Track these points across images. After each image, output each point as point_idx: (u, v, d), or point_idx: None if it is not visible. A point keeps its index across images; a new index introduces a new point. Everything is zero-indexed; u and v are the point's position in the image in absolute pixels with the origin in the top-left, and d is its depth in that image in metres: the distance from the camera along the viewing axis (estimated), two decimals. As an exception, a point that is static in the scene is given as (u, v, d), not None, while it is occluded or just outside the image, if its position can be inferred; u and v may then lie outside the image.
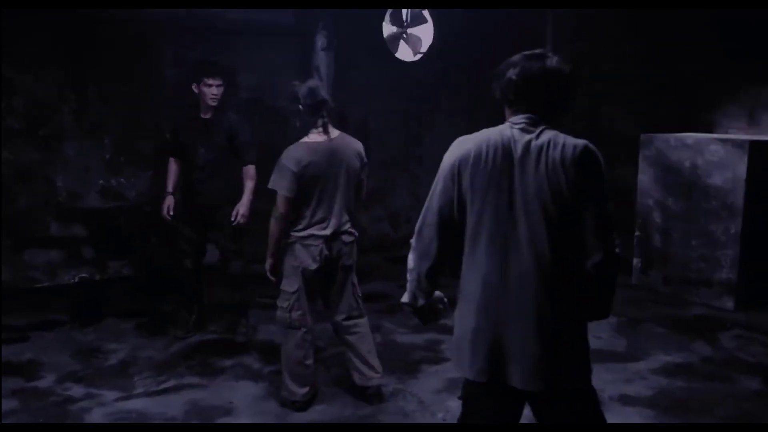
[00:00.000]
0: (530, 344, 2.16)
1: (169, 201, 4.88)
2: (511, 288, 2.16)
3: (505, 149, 2.17)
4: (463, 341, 2.26)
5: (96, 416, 3.78)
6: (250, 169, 4.75)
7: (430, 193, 2.32)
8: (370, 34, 6.81)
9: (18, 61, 5.76)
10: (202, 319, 5.10)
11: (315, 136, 3.73)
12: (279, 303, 3.87)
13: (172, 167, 4.95)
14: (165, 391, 4.12)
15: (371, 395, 3.98)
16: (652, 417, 3.85)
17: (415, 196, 7.94)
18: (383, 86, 7.41)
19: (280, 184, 3.65)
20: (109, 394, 4.05)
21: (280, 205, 3.69)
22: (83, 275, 6.25)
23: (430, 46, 7.03)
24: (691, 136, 5.95)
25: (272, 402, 3.99)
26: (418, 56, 7.24)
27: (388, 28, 6.87)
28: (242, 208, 4.67)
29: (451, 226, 2.28)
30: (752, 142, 5.54)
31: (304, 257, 3.76)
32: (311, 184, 3.67)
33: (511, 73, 2.21)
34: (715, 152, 5.69)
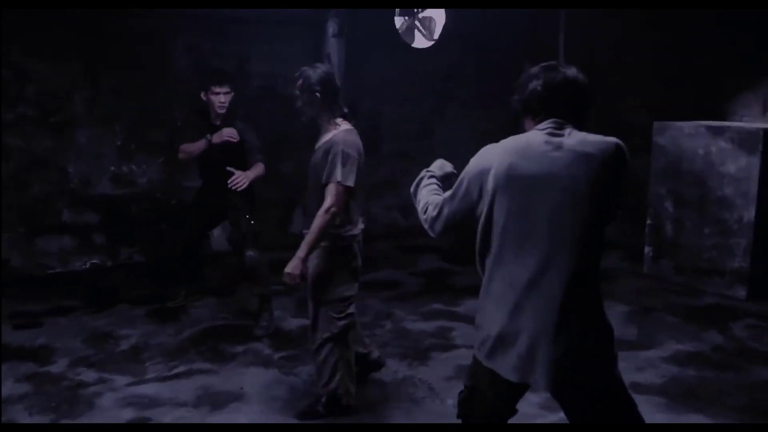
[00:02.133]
0: (558, 347, 2.19)
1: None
2: (542, 289, 2.19)
3: (536, 152, 2.22)
4: (492, 339, 2.28)
5: (107, 401, 3.81)
6: (260, 165, 4.74)
7: (452, 192, 2.38)
8: (382, 23, 6.78)
9: (30, 49, 5.78)
10: (192, 293, 5.39)
11: (346, 125, 3.50)
12: (344, 311, 3.50)
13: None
14: (176, 376, 4.14)
15: (375, 362, 3.99)
16: (662, 405, 3.83)
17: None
18: (395, 75, 7.37)
19: (351, 176, 3.36)
20: (121, 379, 4.08)
21: (343, 199, 3.38)
22: (95, 261, 6.29)
23: (443, 33, 7.01)
24: (704, 124, 5.89)
25: (283, 388, 4.01)
26: (432, 42, 7.21)
27: (399, 20, 6.86)
28: (245, 174, 4.59)
29: (460, 227, 2.39)
30: (766, 130, 5.47)
31: (359, 257, 3.56)
32: (359, 176, 3.45)
33: (535, 84, 2.29)
34: (729, 140, 5.64)
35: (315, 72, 3.45)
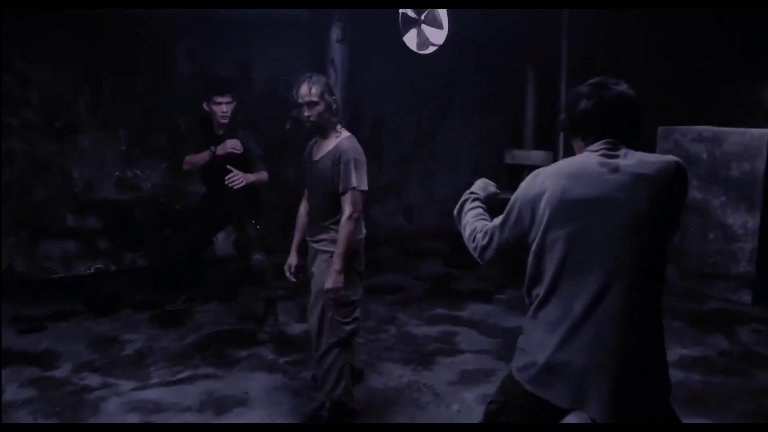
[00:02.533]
0: (616, 377, 2.10)
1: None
2: (598, 318, 2.10)
3: (591, 175, 2.13)
4: (539, 366, 2.19)
5: (112, 406, 3.81)
6: (263, 173, 4.74)
7: (503, 218, 2.27)
8: (385, 29, 6.79)
9: (32, 54, 5.78)
10: (192, 297, 5.40)
11: (346, 132, 3.49)
12: (351, 315, 3.48)
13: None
14: (180, 381, 4.13)
15: (358, 372, 3.95)
16: (668, 410, 3.81)
17: (429, 191, 7.92)
18: (397, 81, 7.39)
19: (364, 180, 3.38)
20: (125, 384, 4.07)
21: (361, 204, 3.40)
22: (99, 266, 6.29)
23: (446, 39, 7.02)
24: (709, 129, 5.88)
25: (286, 393, 4.00)
26: (433, 49, 7.22)
27: (403, 21, 6.86)
28: (244, 174, 4.56)
29: (511, 254, 2.28)
30: (771, 135, 5.48)
31: (364, 261, 3.58)
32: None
33: (585, 104, 2.20)
34: (734, 145, 5.63)
35: (327, 79, 3.49)
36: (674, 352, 4.64)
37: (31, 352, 4.52)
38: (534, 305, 2.24)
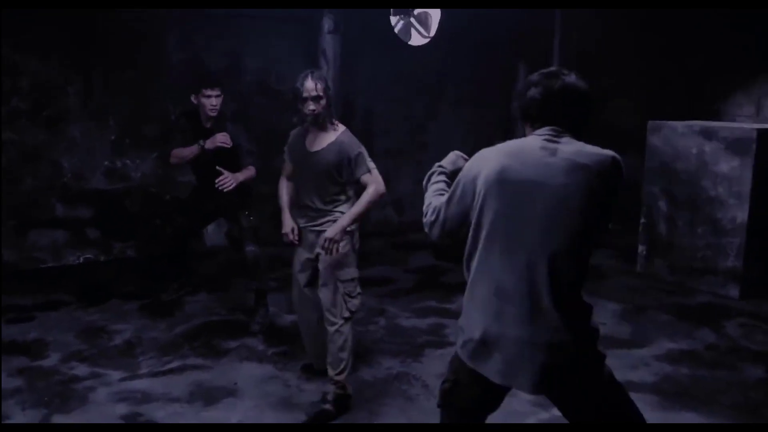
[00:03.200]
0: (542, 352, 2.18)
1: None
2: (525, 295, 2.17)
3: (530, 157, 2.20)
4: (474, 342, 2.27)
5: (101, 396, 3.80)
6: (251, 168, 4.77)
7: (449, 196, 2.36)
8: (377, 20, 6.78)
9: (23, 44, 5.73)
10: (183, 285, 5.41)
11: (342, 126, 3.68)
12: (355, 290, 3.67)
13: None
14: (170, 371, 4.12)
15: None
16: (656, 403, 3.85)
17: (420, 183, 7.89)
18: (389, 73, 7.37)
19: (373, 163, 3.63)
20: (114, 374, 4.06)
21: (382, 181, 3.61)
22: (88, 256, 6.26)
23: (437, 30, 7.01)
24: (698, 124, 5.91)
25: (276, 383, 4.00)
26: (424, 41, 7.21)
27: (395, 19, 6.86)
28: (233, 175, 4.56)
29: (457, 232, 2.37)
30: (760, 130, 5.50)
31: None
32: None
33: (533, 92, 2.26)
34: (723, 140, 5.66)
35: (322, 75, 3.64)
36: (662, 346, 4.69)
37: (19, 342, 4.50)
38: (469, 283, 2.32)
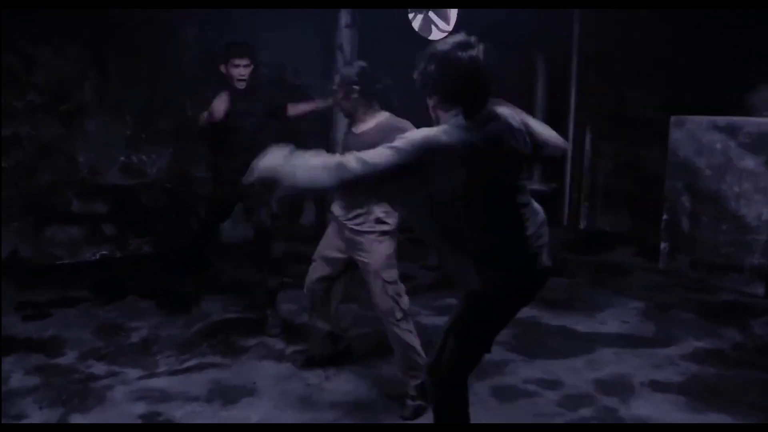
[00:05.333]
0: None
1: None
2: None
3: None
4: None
5: (118, 394, 3.75)
6: (316, 100, 4.98)
7: (387, 156, 2.28)
8: (394, 14, 6.69)
9: (36, 36, 5.70)
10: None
11: (386, 113, 3.82)
12: (402, 288, 3.70)
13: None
14: (188, 370, 4.07)
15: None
16: (683, 404, 3.75)
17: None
18: (407, 67, 7.25)
19: None
20: (132, 372, 4.01)
21: None
22: (104, 252, 6.23)
23: (457, 24, 6.91)
24: (723, 119, 5.79)
25: (295, 382, 3.94)
26: (441, 35, 7.12)
27: (413, 14, 6.78)
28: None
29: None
30: (788, 125, 5.38)
31: None
32: None
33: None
34: (749, 135, 5.54)
35: (351, 69, 3.78)
36: (688, 344, 4.58)
37: (36, 339, 4.46)
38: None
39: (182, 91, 6.14)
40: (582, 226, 8.22)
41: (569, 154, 8.05)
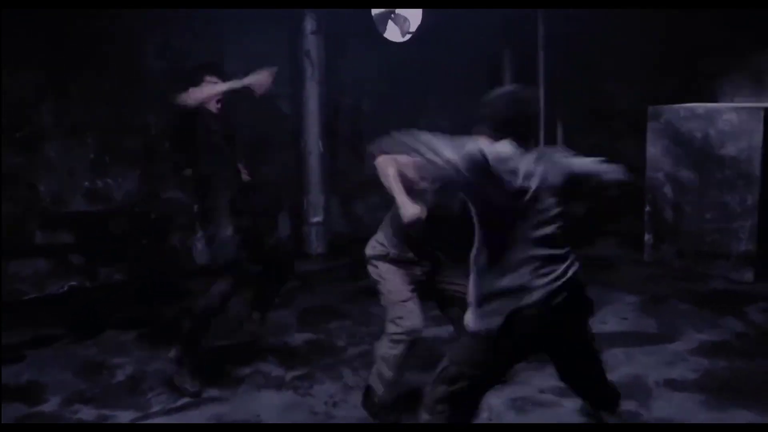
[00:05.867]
0: None
1: None
2: None
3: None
4: None
5: (113, 441, 3.48)
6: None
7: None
8: (360, 18, 6.53)
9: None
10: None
11: None
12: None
13: None
14: (184, 407, 3.81)
15: None
16: (704, 403, 3.67)
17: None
18: (374, 70, 7.12)
19: None
20: (124, 415, 3.73)
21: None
22: (73, 284, 5.86)
23: (420, 27, 6.78)
24: (701, 106, 5.78)
25: (302, 411, 3.73)
26: (408, 36, 6.98)
27: (377, 17, 6.63)
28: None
29: None
30: (767, 110, 5.39)
31: None
32: None
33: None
34: (728, 122, 5.53)
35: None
36: (692, 338, 4.53)
37: (12, 386, 4.10)
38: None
39: (147, 107, 5.85)
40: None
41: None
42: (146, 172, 5.90)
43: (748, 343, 4.45)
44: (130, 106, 5.87)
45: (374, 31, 6.69)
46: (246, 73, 6.50)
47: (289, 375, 4.16)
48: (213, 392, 3.96)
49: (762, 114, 5.35)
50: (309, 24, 6.42)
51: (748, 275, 5.56)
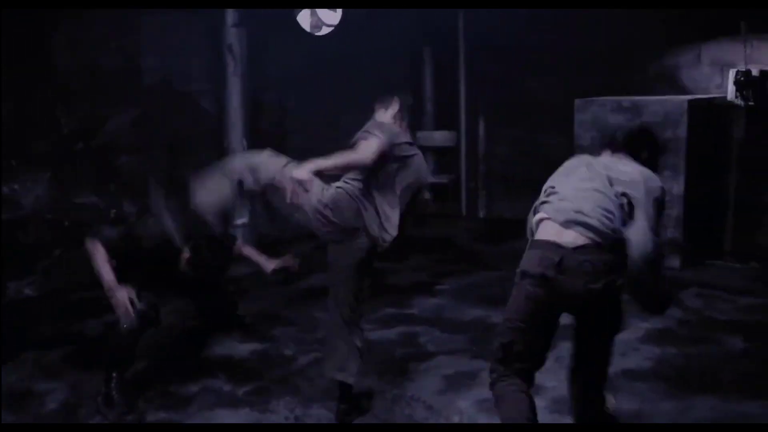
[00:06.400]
0: None
1: None
2: None
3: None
4: None
5: (56, 478, 3.11)
6: None
7: None
8: (282, 11, 6.27)
9: None
10: None
11: None
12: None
13: None
14: (134, 433, 3.49)
15: None
16: (666, 391, 3.73)
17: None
18: (299, 67, 6.87)
19: None
20: (64, 448, 3.37)
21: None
22: (-24, 301, 5.30)
23: (342, 21, 6.60)
24: (628, 99, 5.93)
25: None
26: (327, 30, 6.78)
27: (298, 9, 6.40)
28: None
29: None
30: (691, 101, 5.59)
31: None
32: None
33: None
34: (654, 113, 5.69)
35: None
36: (637, 327, 4.59)
37: None
38: None
39: (56, 105, 5.35)
40: (481, 214, 8.23)
41: (462, 145, 8.04)
42: (58, 174, 5.40)
43: (691, 329, 4.58)
44: (38, 103, 5.36)
45: (295, 24, 6.45)
46: (165, 69, 6.16)
47: (241, 390, 3.89)
48: (160, 415, 3.64)
49: (686, 105, 5.54)
50: (230, 16, 6.09)
51: (675, 262, 5.75)
